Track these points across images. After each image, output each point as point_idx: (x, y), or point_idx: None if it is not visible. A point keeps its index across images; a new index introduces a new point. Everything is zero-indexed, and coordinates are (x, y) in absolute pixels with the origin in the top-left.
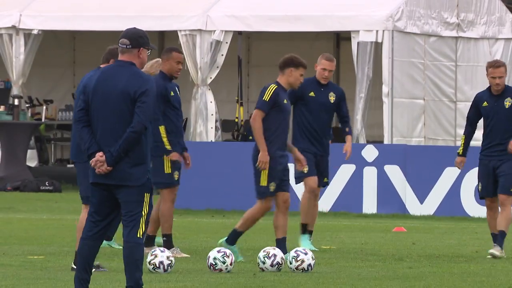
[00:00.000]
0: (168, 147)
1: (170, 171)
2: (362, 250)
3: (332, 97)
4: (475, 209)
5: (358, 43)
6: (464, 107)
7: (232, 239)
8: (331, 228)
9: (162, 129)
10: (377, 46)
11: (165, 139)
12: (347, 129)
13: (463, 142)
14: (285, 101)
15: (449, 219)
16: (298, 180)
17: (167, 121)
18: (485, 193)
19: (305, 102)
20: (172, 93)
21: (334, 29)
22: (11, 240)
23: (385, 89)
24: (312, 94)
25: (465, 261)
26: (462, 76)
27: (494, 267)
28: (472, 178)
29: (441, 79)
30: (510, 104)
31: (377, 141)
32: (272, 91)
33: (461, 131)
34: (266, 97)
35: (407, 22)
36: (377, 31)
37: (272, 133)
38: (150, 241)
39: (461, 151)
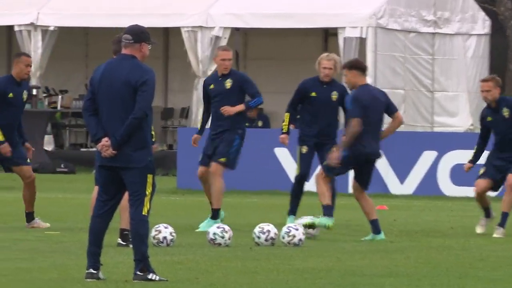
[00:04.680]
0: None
1: None
2: (348, 226)
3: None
4: (451, 189)
5: (344, 38)
6: (441, 96)
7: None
8: (319, 206)
9: None
10: (362, 41)
11: None
12: None
13: (474, 151)
14: None
15: (427, 198)
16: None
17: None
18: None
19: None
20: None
21: (322, 26)
22: None
23: (369, 80)
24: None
25: (441, 236)
26: (438, 68)
27: (467, 242)
28: (447, 161)
29: (420, 71)
30: (508, 113)
31: None
32: None
33: (437, 118)
34: None
35: (389, 20)
36: (361, 27)
37: None
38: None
39: (472, 159)
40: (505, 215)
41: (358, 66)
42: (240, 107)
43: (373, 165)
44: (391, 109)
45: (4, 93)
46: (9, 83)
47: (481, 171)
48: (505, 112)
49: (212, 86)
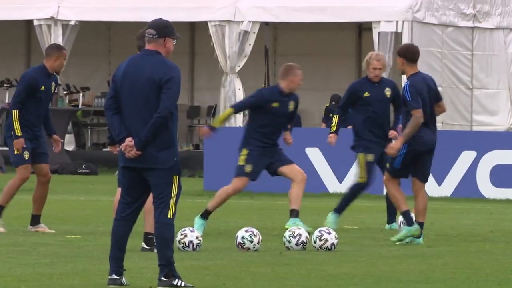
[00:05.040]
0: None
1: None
2: (383, 230)
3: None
4: (490, 191)
5: (379, 33)
6: (480, 94)
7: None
8: (352, 209)
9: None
10: (397, 36)
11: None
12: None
13: None
14: None
15: (465, 201)
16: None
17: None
18: None
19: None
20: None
21: (356, 20)
22: (50, 220)
23: (404, 77)
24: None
25: (480, 240)
26: (478, 64)
27: (508, 246)
28: (487, 162)
29: (458, 67)
30: None
31: None
32: None
33: (476, 117)
34: None
35: (425, 13)
36: (397, 21)
37: None
38: (35, 220)
39: None
40: None
41: (405, 54)
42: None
43: (431, 156)
44: (437, 97)
45: (37, 87)
46: (40, 76)
47: None
48: None
49: (276, 105)
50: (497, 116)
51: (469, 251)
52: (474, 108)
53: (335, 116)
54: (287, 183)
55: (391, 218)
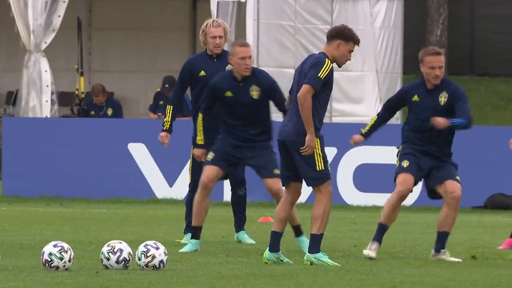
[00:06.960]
0: None
1: None
2: (223, 244)
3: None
4: (354, 196)
5: (218, 2)
6: (341, 77)
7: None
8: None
9: None
10: (240, 6)
11: None
12: None
13: (372, 123)
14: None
15: None
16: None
17: None
18: None
19: None
20: None
21: None
22: None
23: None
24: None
25: (342, 256)
26: None
27: (375, 264)
28: (350, 161)
29: (315, 45)
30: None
31: None
32: (329, 68)
33: (337, 106)
34: (322, 74)
35: None
36: None
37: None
38: None
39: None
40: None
41: None
42: None
43: (289, 150)
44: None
45: None
46: None
47: None
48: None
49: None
50: (361, 105)
51: (327, 269)
52: (334, 94)
53: (168, 107)
54: (104, 186)
55: (239, 226)
